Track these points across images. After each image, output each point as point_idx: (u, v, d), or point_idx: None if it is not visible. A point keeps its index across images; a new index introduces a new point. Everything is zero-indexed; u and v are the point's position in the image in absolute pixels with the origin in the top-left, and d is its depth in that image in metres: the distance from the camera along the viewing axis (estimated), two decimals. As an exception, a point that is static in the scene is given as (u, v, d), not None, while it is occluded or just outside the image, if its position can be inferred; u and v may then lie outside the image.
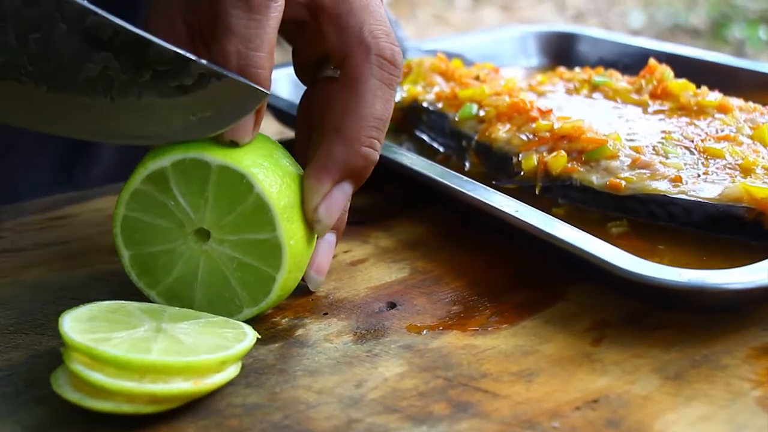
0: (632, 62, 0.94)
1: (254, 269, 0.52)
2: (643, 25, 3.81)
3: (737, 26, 3.68)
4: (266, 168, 0.52)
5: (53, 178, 0.86)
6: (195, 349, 0.47)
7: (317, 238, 0.56)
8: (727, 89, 0.81)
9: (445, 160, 0.77)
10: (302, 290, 0.57)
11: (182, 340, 0.48)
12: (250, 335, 0.50)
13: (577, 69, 0.87)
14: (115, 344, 0.46)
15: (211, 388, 0.47)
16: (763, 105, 0.76)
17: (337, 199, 0.54)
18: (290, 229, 0.51)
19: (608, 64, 0.96)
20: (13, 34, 0.48)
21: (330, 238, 0.58)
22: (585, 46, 1.03)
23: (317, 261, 0.57)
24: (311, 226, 0.53)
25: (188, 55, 0.49)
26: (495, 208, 0.59)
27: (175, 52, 0.49)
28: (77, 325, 0.48)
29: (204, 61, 0.49)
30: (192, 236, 0.52)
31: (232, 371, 0.48)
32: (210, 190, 0.51)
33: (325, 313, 0.56)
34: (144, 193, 0.52)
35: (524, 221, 0.57)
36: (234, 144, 0.52)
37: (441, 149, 0.79)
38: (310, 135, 0.60)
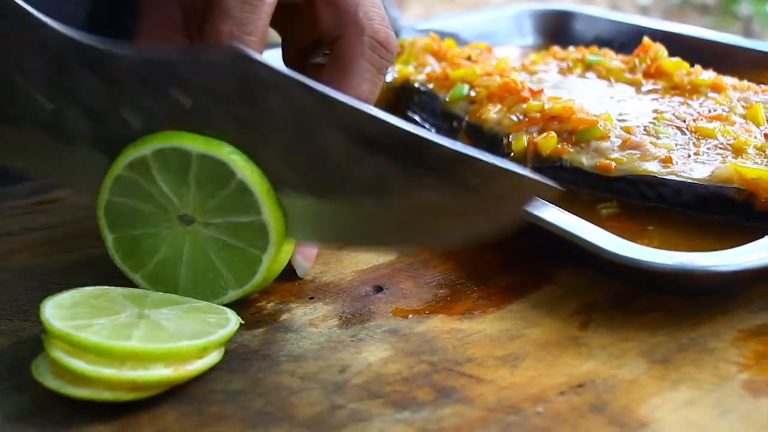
0: (628, 40, 0.92)
1: (240, 250, 0.51)
2: (651, 2, 3.77)
3: (745, 2, 3.65)
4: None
5: None
6: (176, 335, 0.47)
7: None
8: (724, 68, 0.81)
9: (436, 141, 0.76)
10: (288, 275, 0.57)
11: (164, 326, 0.48)
12: (233, 320, 0.49)
13: (571, 48, 0.87)
14: (96, 331, 0.46)
15: (193, 375, 0.47)
16: (759, 84, 0.75)
17: None
18: (276, 212, 0.51)
19: (604, 42, 0.95)
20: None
21: None
22: (581, 25, 1.02)
23: (305, 247, 0.57)
24: None
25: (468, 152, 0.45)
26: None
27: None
28: (59, 311, 0.47)
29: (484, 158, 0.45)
30: (176, 220, 0.52)
31: (214, 357, 0.48)
32: (191, 178, 0.50)
33: (311, 298, 0.55)
34: (127, 179, 0.51)
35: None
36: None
37: (433, 130, 0.78)
38: None
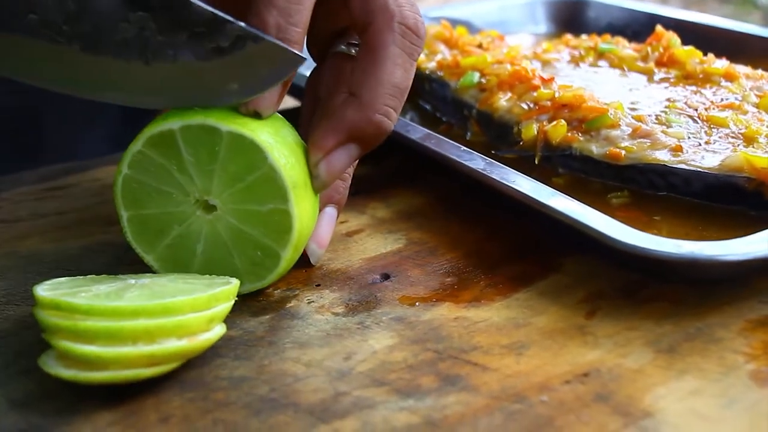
0: (642, 29, 0.92)
1: (260, 245, 0.51)
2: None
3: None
4: (278, 141, 0.51)
5: (110, 149, 0.86)
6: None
7: (319, 211, 0.55)
8: (739, 56, 0.80)
9: (447, 130, 0.76)
10: (298, 262, 0.57)
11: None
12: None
13: (584, 36, 0.86)
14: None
15: (205, 345, 0.47)
16: (773, 72, 0.75)
17: (340, 159, 0.53)
18: (299, 206, 0.51)
19: (618, 30, 0.95)
20: None
21: (331, 211, 0.57)
22: (594, 12, 1.02)
23: (319, 233, 0.56)
24: (311, 182, 0.53)
25: (226, 16, 0.48)
26: (491, 178, 0.59)
27: (212, 13, 0.48)
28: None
29: (242, 24, 0.48)
30: (196, 204, 0.52)
31: (219, 330, 0.48)
32: (219, 159, 0.50)
33: (318, 285, 0.56)
34: (148, 156, 0.51)
35: (520, 191, 0.57)
36: (257, 115, 0.51)
37: (444, 118, 0.78)
38: (315, 109, 0.59)
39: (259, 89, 0.50)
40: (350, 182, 0.58)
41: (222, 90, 0.50)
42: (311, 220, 0.53)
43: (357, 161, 0.55)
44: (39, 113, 0.82)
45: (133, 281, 0.49)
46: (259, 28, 0.49)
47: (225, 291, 0.49)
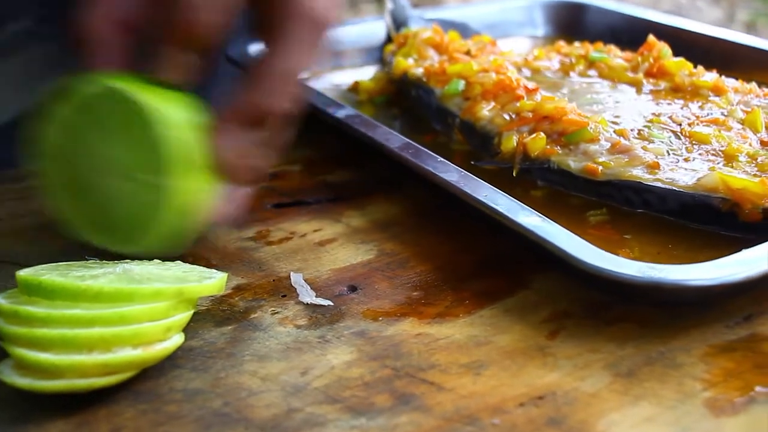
0: (639, 35, 0.91)
1: (138, 213, 0.53)
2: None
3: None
4: (172, 117, 0.52)
5: None
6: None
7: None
8: (737, 67, 0.80)
9: (432, 137, 0.75)
10: (257, 267, 0.57)
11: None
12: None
13: (576, 44, 0.85)
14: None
15: (160, 355, 0.47)
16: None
17: (234, 140, 0.54)
18: (180, 183, 0.52)
19: (616, 35, 0.95)
20: None
21: (236, 189, 0.56)
22: (593, 17, 1.01)
23: (217, 208, 0.55)
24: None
25: None
26: (462, 191, 0.58)
27: None
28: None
29: None
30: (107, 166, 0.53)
31: (177, 339, 0.48)
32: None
33: (284, 295, 0.55)
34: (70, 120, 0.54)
35: (489, 206, 0.56)
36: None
37: (430, 125, 0.78)
38: None
39: None
40: (267, 162, 0.57)
41: None
42: (201, 191, 0.53)
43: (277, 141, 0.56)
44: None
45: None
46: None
47: (193, 288, 0.49)
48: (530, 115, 0.67)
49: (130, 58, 0.55)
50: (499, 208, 0.56)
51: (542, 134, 0.65)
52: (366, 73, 0.90)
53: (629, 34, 0.95)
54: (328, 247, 0.61)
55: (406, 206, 0.66)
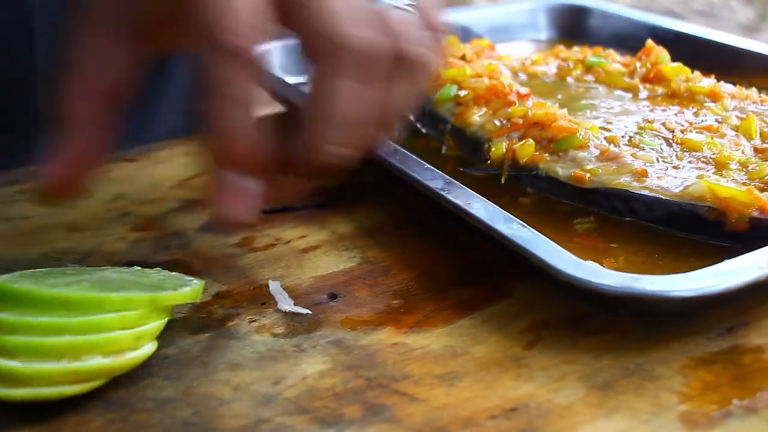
0: (645, 39, 0.90)
1: None
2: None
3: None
4: None
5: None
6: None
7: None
8: (738, 72, 0.79)
9: (425, 143, 0.75)
10: (239, 273, 0.57)
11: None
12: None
13: (575, 48, 0.85)
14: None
15: (131, 364, 0.47)
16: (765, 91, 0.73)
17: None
18: None
19: (619, 39, 0.94)
20: None
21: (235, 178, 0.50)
22: (596, 21, 1.00)
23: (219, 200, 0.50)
24: None
25: None
26: (445, 198, 0.58)
27: None
28: None
29: None
30: None
31: (149, 348, 0.48)
32: None
33: (263, 303, 0.55)
34: None
35: (471, 214, 0.56)
36: None
37: (423, 130, 0.77)
38: None
39: None
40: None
41: None
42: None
43: None
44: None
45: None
46: None
47: (166, 296, 0.49)
48: (521, 121, 0.66)
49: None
50: (480, 216, 0.55)
51: (531, 141, 0.64)
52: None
53: (633, 37, 0.93)
54: (312, 254, 0.60)
55: (394, 213, 0.66)
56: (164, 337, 0.50)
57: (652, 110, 0.71)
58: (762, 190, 0.57)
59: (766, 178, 0.59)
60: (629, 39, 0.94)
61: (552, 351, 0.50)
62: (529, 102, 0.69)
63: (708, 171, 0.60)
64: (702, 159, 0.62)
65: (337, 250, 0.61)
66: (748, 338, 0.51)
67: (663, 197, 0.58)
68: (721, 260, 0.51)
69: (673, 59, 0.79)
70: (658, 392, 0.47)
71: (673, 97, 0.74)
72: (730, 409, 0.46)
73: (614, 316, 0.53)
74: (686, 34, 0.90)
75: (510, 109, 0.68)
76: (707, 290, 0.48)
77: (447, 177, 0.60)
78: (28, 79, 0.76)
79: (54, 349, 0.45)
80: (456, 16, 1.00)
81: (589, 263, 0.50)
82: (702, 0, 3.78)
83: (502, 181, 0.64)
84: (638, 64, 0.78)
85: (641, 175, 0.60)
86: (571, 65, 0.80)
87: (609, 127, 0.67)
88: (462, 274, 0.58)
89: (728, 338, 0.51)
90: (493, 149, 0.66)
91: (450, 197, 0.58)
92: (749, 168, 0.60)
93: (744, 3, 3.70)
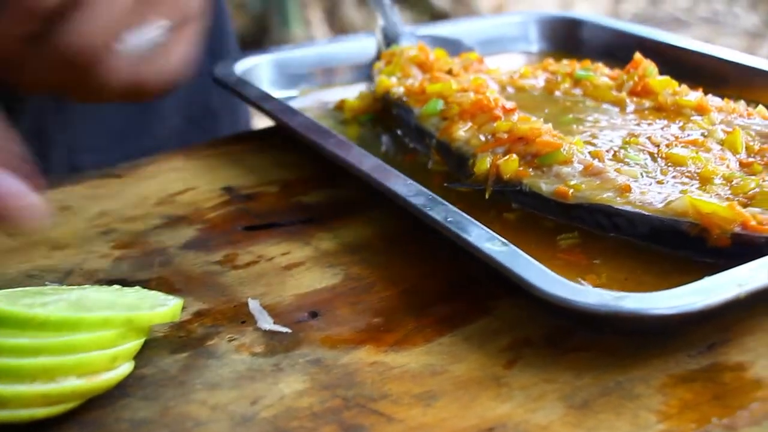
0: (633, 52, 0.90)
1: None
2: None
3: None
4: None
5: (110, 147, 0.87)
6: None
7: None
8: (729, 85, 0.79)
9: (412, 157, 0.75)
10: (220, 292, 0.56)
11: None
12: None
13: (564, 61, 0.84)
14: None
15: (105, 385, 0.47)
16: (754, 104, 0.73)
17: None
18: None
19: (612, 51, 0.93)
20: None
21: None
22: (587, 33, 1.00)
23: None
24: None
25: None
26: (426, 215, 0.57)
27: None
28: None
29: None
30: None
31: (125, 368, 0.48)
32: None
33: (243, 321, 0.55)
34: None
35: (452, 230, 0.55)
36: None
37: (410, 145, 0.77)
38: None
39: None
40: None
41: None
42: None
43: None
44: None
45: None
46: None
47: (143, 316, 0.49)
48: (505, 135, 0.66)
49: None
50: (461, 233, 0.55)
51: (515, 156, 0.64)
52: (356, 91, 0.89)
53: (624, 50, 0.93)
54: (294, 272, 0.60)
55: (378, 229, 0.66)
56: (142, 356, 0.50)
57: (638, 124, 0.71)
58: (746, 206, 0.57)
59: (750, 192, 0.58)
60: (621, 51, 0.93)
61: (532, 369, 0.50)
62: (515, 116, 0.68)
63: (692, 186, 0.60)
64: (687, 174, 0.62)
65: (321, 267, 0.61)
66: (729, 355, 0.50)
67: (645, 213, 0.58)
68: (702, 277, 0.50)
69: (666, 72, 0.78)
70: (638, 411, 0.46)
71: (660, 110, 0.73)
72: (709, 428, 0.45)
73: (596, 334, 0.52)
74: (677, 46, 0.89)
75: (495, 124, 0.68)
76: (686, 308, 0.48)
77: (430, 193, 0.60)
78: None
79: (28, 371, 0.45)
80: (447, 30, 1.00)
81: (570, 282, 0.50)
82: (707, 7, 3.78)
83: (486, 196, 0.64)
84: (626, 78, 0.78)
85: (625, 190, 0.59)
86: (560, 79, 0.80)
87: (594, 141, 0.67)
88: (445, 290, 0.58)
89: (709, 356, 0.51)
90: (478, 164, 0.65)
91: (432, 214, 0.57)
92: (733, 183, 0.60)
93: (749, 9, 3.69)
